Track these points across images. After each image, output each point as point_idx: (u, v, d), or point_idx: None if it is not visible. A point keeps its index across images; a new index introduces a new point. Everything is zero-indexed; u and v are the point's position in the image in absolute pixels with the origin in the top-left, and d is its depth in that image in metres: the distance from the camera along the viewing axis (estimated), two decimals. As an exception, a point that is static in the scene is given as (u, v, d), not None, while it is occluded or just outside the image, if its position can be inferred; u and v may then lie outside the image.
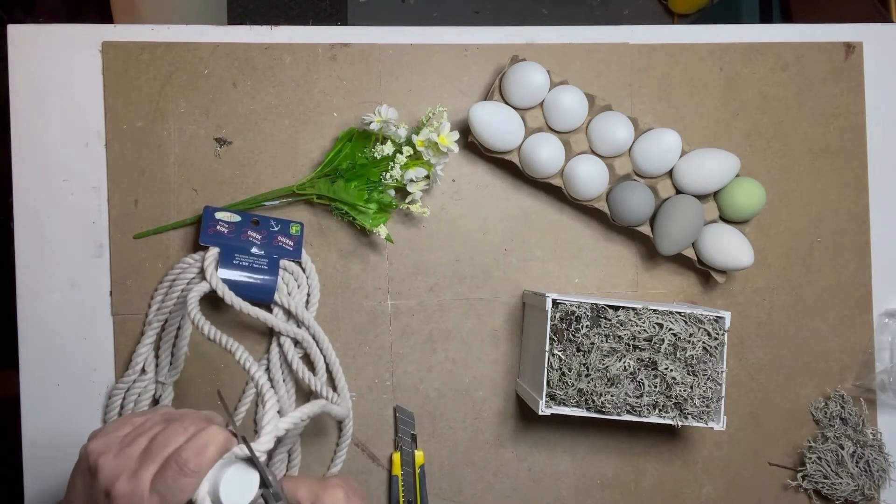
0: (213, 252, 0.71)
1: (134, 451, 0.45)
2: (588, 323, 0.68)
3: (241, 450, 0.46)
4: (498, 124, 0.73)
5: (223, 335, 0.64)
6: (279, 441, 0.73)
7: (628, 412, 0.68)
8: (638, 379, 0.68)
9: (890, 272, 0.84)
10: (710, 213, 0.77)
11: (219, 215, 0.72)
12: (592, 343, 0.67)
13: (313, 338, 0.74)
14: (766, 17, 1.55)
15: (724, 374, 0.69)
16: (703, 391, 0.68)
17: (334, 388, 0.75)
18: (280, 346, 0.74)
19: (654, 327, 0.68)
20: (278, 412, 0.64)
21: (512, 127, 0.74)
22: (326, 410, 0.64)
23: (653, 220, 0.77)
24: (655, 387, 0.68)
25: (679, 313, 0.69)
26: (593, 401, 0.68)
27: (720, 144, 0.82)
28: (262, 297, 0.72)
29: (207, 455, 0.44)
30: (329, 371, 0.75)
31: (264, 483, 0.46)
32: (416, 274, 0.78)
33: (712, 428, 0.69)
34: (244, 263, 0.71)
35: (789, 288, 0.83)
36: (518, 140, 0.74)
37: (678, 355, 0.68)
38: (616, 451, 0.80)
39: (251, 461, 0.46)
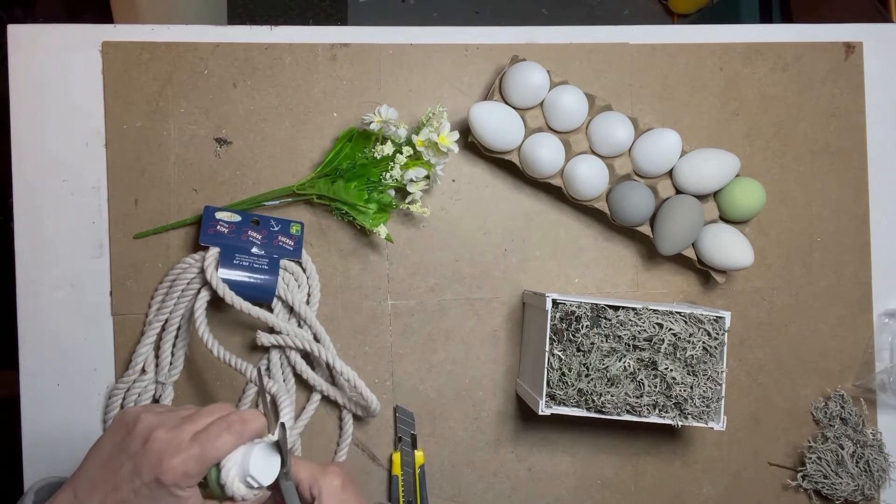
0: (214, 252, 0.71)
1: (177, 415, 0.48)
2: (588, 323, 0.68)
3: (270, 438, 0.49)
4: (498, 124, 0.73)
5: (232, 356, 0.68)
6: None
7: (628, 412, 0.68)
8: (638, 379, 0.68)
9: (890, 272, 0.84)
10: (710, 213, 0.77)
11: (219, 215, 0.72)
12: (592, 343, 0.67)
13: (314, 336, 0.74)
14: (766, 17, 1.55)
15: (724, 374, 0.69)
16: (703, 391, 0.68)
17: (334, 385, 0.75)
18: (280, 346, 0.74)
19: (654, 327, 0.68)
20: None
21: (512, 127, 0.73)
22: (365, 398, 0.71)
23: (653, 220, 0.77)
24: (655, 387, 0.68)
25: (679, 313, 0.69)
26: (593, 401, 0.68)
27: (720, 144, 0.82)
28: (263, 296, 0.72)
29: (251, 426, 0.47)
30: (330, 369, 0.75)
31: (283, 465, 0.49)
32: (416, 274, 0.78)
33: (712, 428, 0.69)
34: (244, 263, 0.71)
35: (789, 288, 0.83)
36: (518, 140, 0.74)
37: (678, 355, 0.68)
38: (616, 451, 0.80)
39: (275, 449, 0.49)
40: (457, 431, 0.78)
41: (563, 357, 0.68)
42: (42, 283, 0.73)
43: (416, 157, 0.72)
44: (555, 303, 0.68)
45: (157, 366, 0.73)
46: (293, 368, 0.74)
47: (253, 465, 0.47)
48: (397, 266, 0.77)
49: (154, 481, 0.44)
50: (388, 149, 0.71)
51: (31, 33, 0.74)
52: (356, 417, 0.76)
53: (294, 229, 0.74)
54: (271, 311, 0.73)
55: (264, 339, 0.71)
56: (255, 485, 0.47)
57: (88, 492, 0.46)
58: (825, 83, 0.84)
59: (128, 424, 0.47)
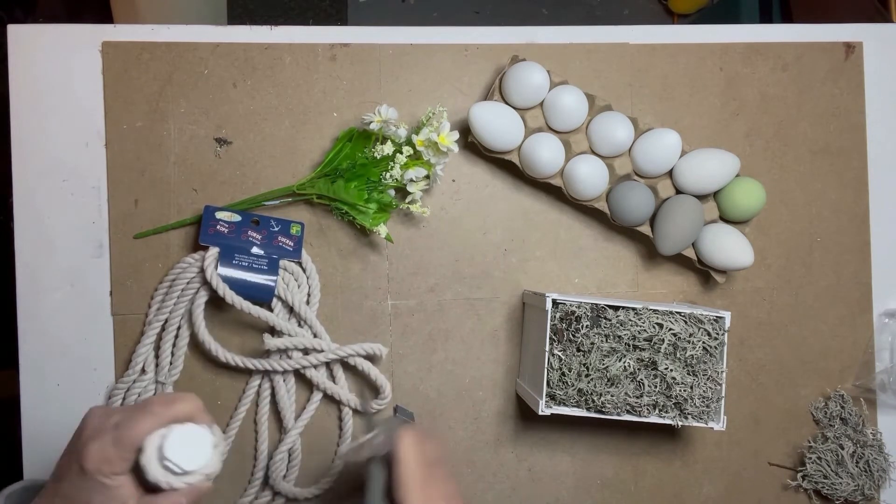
0: (213, 252, 0.71)
1: (118, 407, 0.48)
2: (588, 323, 0.68)
3: (214, 432, 0.47)
4: (498, 124, 0.73)
5: (234, 355, 0.68)
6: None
7: (628, 412, 0.68)
8: (638, 379, 0.68)
9: (890, 272, 0.84)
10: (710, 213, 0.77)
11: (219, 215, 0.72)
12: (592, 343, 0.67)
13: (314, 336, 0.74)
14: (766, 17, 1.55)
15: (724, 374, 0.69)
16: (703, 391, 0.68)
17: (334, 383, 0.75)
18: (280, 346, 0.74)
19: (654, 327, 0.68)
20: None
21: (512, 127, 0.73)
22: (377, 382, 0.72)
23: (653, 220, 0.77)
24: (655, 387, 0.68)
25: (679, 313, 0.69)
26: (593, 401, 0.68)
27: (720, 144, 0.82)
28: (262, 296, 0.72)
29: (175, 407, 0.45)
30: (329, 368, 0.75)
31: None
32: (416, 274, 0.78)
33: (712, 428, 0.69)
34: (244, 263, 0.71)
35: (789, 288, 0.83)
36: (518, 140, 0.74)
37: (678, 355, 0.68)
38: (616, 451, 0.80)
39: (208, 433, 0.47)
40: (457, 431, 0.78)
41: (563, 357, 0.68)
42: (42, 283, 0.73)
43: (416, 157, 0.72)
44: (555, 303, 0.68)
45: (157, 366, 0.73)
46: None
47: (169, 447, 0.43)
48: (397, 266, 0.77)
49: (79, 470, 0.43)
50: (388, 149, 0.71)
51: (31, 33, 0.74)
52: (356, 413, 0.76)
53: (294, 229, 0.74)
54: (271, 311, 0.73)
55: (270, 343, 0.71)
56: (177, 469, 0.44)
57: (50, 495, 0.46)
58: (825, 83, 0.84)
59: (81, 422, 0.47)
